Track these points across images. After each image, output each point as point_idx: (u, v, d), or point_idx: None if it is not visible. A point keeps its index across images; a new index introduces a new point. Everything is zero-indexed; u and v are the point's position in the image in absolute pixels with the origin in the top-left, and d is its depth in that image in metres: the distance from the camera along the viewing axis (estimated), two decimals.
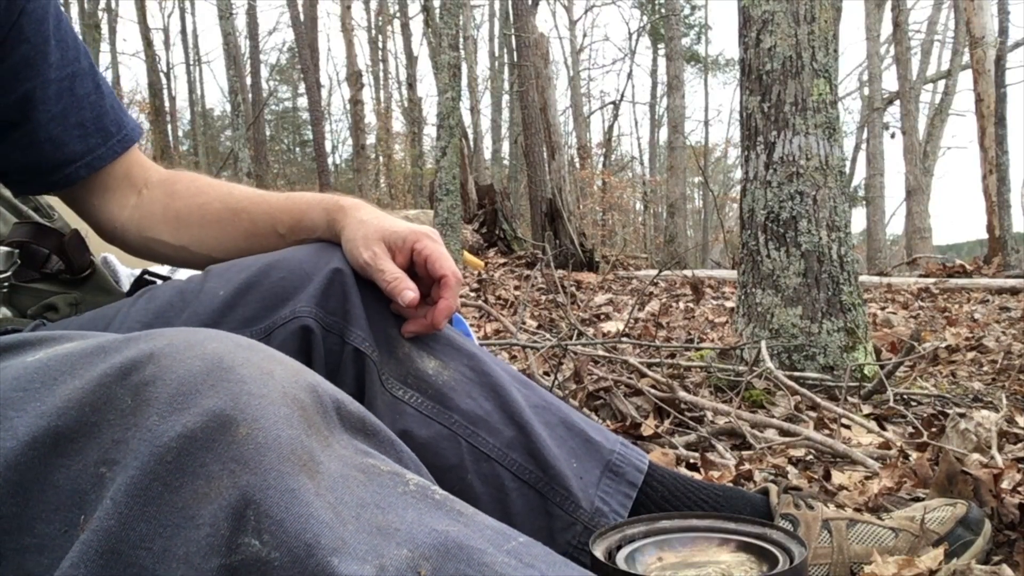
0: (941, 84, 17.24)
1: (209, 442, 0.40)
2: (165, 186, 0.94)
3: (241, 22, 19.68)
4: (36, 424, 0.42)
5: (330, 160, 20.67)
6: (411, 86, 18.29)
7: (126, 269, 1.21)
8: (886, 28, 15.37)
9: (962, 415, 1.56)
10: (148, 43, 17.86)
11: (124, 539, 0.39)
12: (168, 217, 0.93)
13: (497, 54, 20.96)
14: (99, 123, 0.90)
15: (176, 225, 0.93)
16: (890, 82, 16.27)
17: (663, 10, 17.42)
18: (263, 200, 0.91)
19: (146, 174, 0.95)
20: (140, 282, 0.94)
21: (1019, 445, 1.59)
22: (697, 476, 1.46)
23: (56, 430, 0.42)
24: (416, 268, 0.84)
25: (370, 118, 21.36)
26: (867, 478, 1.43)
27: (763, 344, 2.29)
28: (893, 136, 14.82)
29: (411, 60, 18.79)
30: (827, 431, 1.79)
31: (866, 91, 16.30)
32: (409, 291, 0.80)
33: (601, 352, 2.42)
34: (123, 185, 0.93)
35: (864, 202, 15.77)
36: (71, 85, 0.87)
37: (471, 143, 12.59)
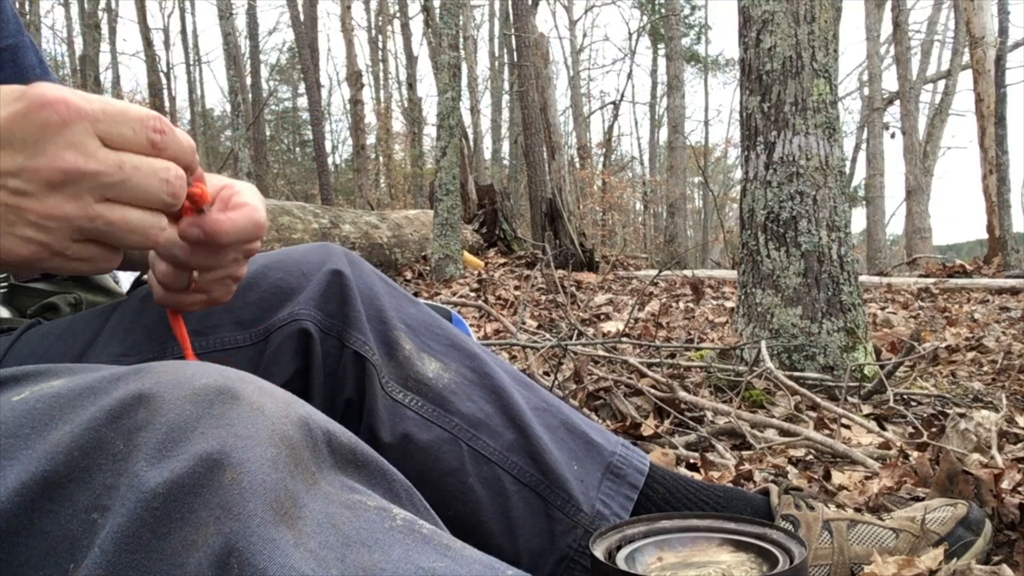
0: (941, 84, 17.25)
1: (198, 488, 0.39)
2: None
3: (241, 22, 19.72)
4: (25, 469, 0.41)
5: (330, 160, 20.67)
6: (411, 86, 18.30)
7: None
8: (886, 28, 15.39)
9: (962, 415, 1.56)
10: (148, 43, 17.86)
11: None
12: None
13: (497, 54, 20.96)
14: None
15: None
16: (890, 82, 16.30)
17: (663, 10, 17.42)
18: None
19: None
20: (139, 281, 0.94)
21: (1019, 445, 1.58)
22: (697, 476, 1.46)
23: (45, 475, 0.41)
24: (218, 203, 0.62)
25: (370, 118, 21.37)
26: (867, 478, 1.43)
27: (763, 344, 2.29)
28: (893, 136, 14.82)
29: (411, 60, 18.79)
30: (827, 431, 1.79)
31: (866, 91, 16.30)
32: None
33: (601, 352, 2.42)
34: None
35: (864, 202, 15.77)
36: (13, 56, 0.84)
37: (471, 143, 12.59)
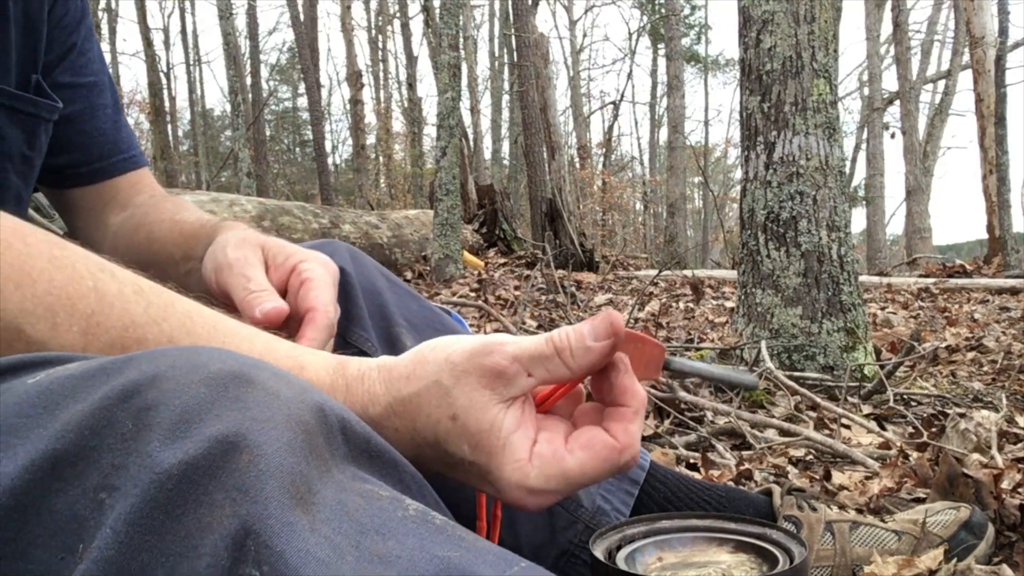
0: (941, 84, 17.27)
1: (213, 469, 0.39)
2: (128, 211, 0.91)
3: (241, 22, 19.71)
4: (35, 448, 0.41)
5: (330, 160, 20.67)
6: (411, 86, 18.30)
7: None
8: (886, 28, 15.39)
9: (962, 415, 1.56)
10: (148, 43, 17.87)
11: (125, 569, 0.38)
12: (111, 244, 0.90)
13: (497, 54, 20.97)
14: (108, 136, 0.90)
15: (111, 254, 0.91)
16: (890, 82, 16.29)
17: (663, 10, 17.42)
18: (177, 227, 0.85)
19: (139, 192, 0.93)
20: None
21: (1019, 445, 1.58)
22: (697, 476, 1.46)
23: (54, 453, 0.41)
24: (289, 294, 0.69)
25: (370, 118, 21.38)
26: (867, 478, 1.43)
27: (763, 344, 2.29)
28: (893, 136, 14.83)
29: (411, 60, 18.80)
30: (827, 431, 1.79)
31: (866, 91, 16.31)
32: (270, 303, 0.64)
33: None
34: (111, 205, 0.91)
35: (864, 202, 15.77)
36: (89, 93, 0.88)
37: (471, 143, 12.59)
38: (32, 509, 0.41)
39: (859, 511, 1.15)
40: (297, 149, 27.46)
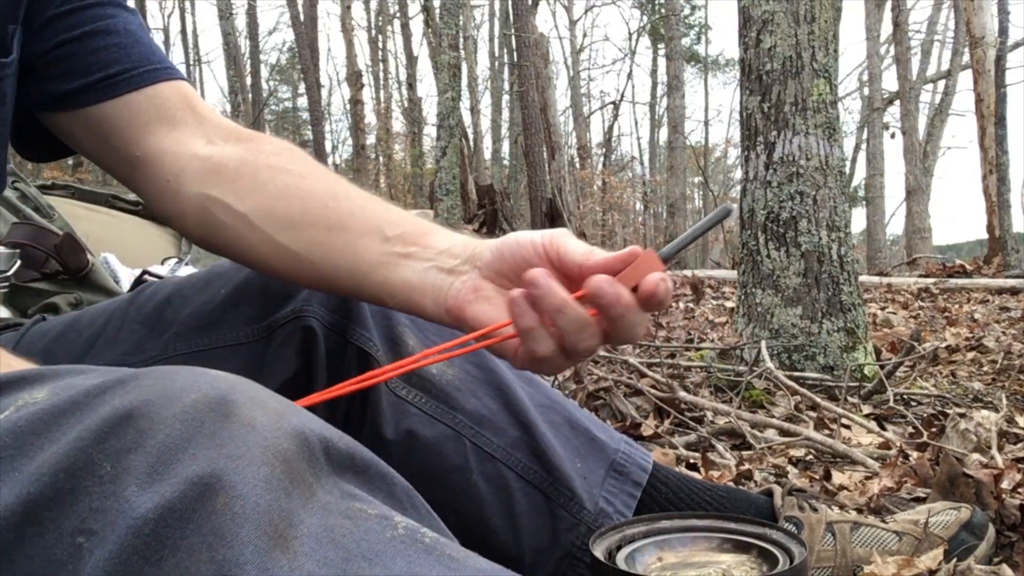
0: (941, 84, 17.28)
1: (189, 513, 0.39)
2: (246, 143, 0.77)
3: (241, 22, 19.64)
4: (9, 492, 0.41)
5: (330, 160, 20.67)
6: (411, 86, 18.30)
7: (126, 269, 1.21)
8: (886, 28, 15.39)
9: (962, 415, 1.56)
10: None
11: None
12: (242, 174, 0.73)
13: (497, 54, 20.98)
14: (144, 46, 0.77)
15: (249, 186, 0.72)
16: (890, 82, 16.29)
17: (663, 10, 17.43)
18: (371, 198, 0.73)
19: (213, 119, 0.79)
20: (140, 282, 0.94)
21: (1019, 445, 1.59)
22: (697, 476, 1.46)
23: (28, 497, 0.40)
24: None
25: (370, 118, 21.38)
26: (867, 478, 1.43)
27: (763, 344, 2.29)
28: (893, 136, 14.83)
29: (411, 60, 18.80)
30: (827, 431, 1.79)
31: (866, 91, 16.32)
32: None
33: (601, 352, 2.42)
34: (177, 123, 0.76)
35: (864, 202, 15.79)
36: (103, 12, 0.76)
37: (471, 143, 12.59)
38: (6, 555, 0.40)
39: (859, 511, 1.15)
40: None
